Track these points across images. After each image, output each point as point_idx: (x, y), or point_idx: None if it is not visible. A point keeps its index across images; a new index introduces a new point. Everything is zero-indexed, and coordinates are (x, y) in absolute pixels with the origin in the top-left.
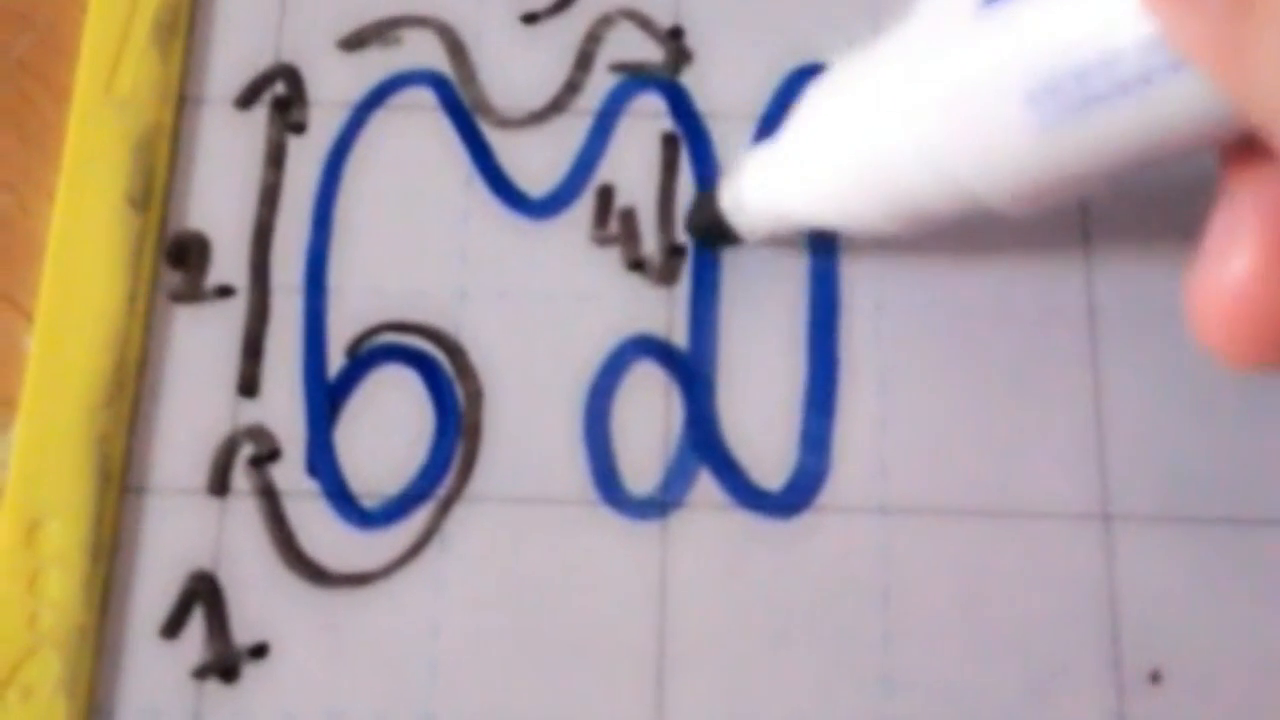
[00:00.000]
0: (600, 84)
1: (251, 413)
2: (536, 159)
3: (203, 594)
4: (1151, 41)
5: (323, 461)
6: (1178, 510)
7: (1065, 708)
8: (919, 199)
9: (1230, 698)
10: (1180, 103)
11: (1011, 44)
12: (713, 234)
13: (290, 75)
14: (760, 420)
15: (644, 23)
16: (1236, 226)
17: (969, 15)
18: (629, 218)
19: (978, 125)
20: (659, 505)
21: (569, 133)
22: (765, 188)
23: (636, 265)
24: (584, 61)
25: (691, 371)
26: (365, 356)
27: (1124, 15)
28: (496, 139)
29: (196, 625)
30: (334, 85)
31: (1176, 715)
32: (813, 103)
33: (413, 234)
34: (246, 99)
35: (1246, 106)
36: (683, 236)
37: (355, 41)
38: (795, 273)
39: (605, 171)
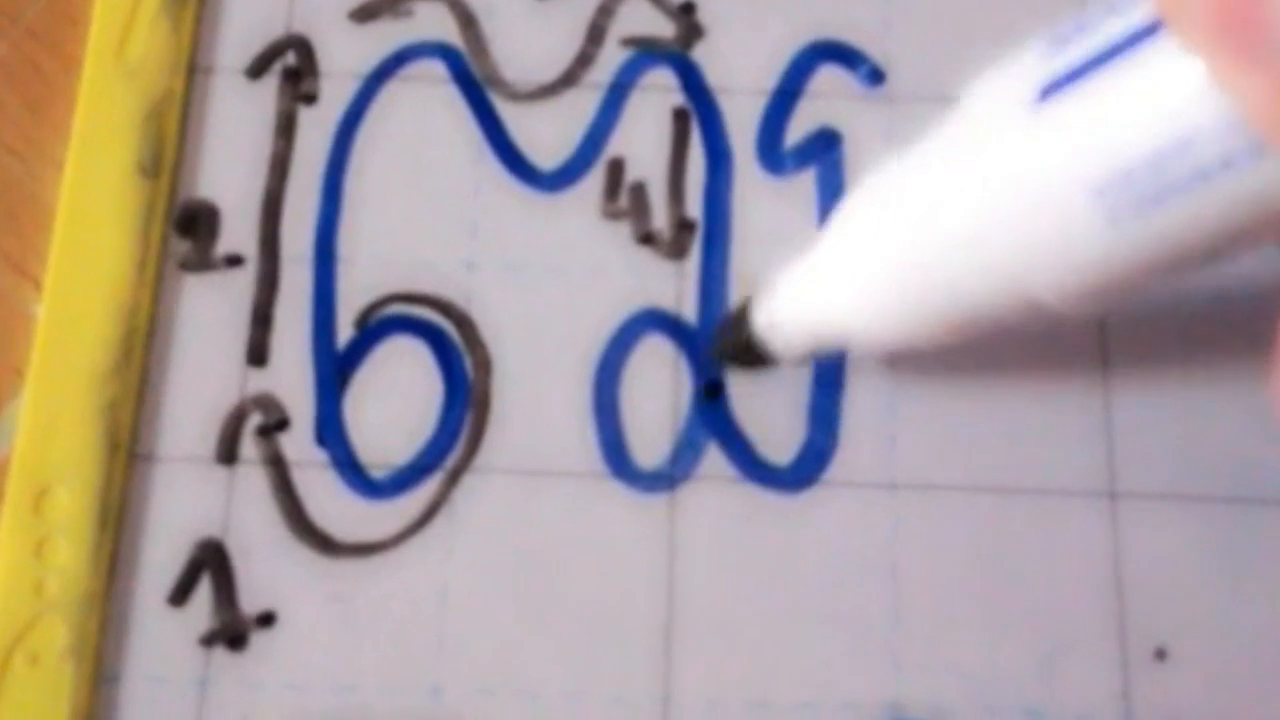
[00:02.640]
0: (612, 58)
1: (260, 382)
2: (547, 132)
3: (210, 562)
4: (1230, 123)
5: (331, 431)
6: (1184, 488)
7: (1071, 684)
8: (974, 306)
9: (1235, 675)
10: (1266, 187)
11: (1076, 135)
12: (746, 357)
13: (301, 46)
14: (769, 395)
15: None
16: None
17: (1025, 108)
18: (639, 192)
19: (1040, 224)
20: (667, 479)
21: (580, 106)
22: (802, 305)
23: (646, 239)
24: (595, 35)
25: (700, 345)
26: (374, 327)
27: (1198, 97)
28: (507, 112)
29: (204, 593)
30: (345, 56)
31: (1181, 692)
32: (851, 212)
33: (422, 206)
34: (257, 69)
35: None
36: (692, 212)
37: (366, 13)
38: (804, 248)
39: (616, 145)
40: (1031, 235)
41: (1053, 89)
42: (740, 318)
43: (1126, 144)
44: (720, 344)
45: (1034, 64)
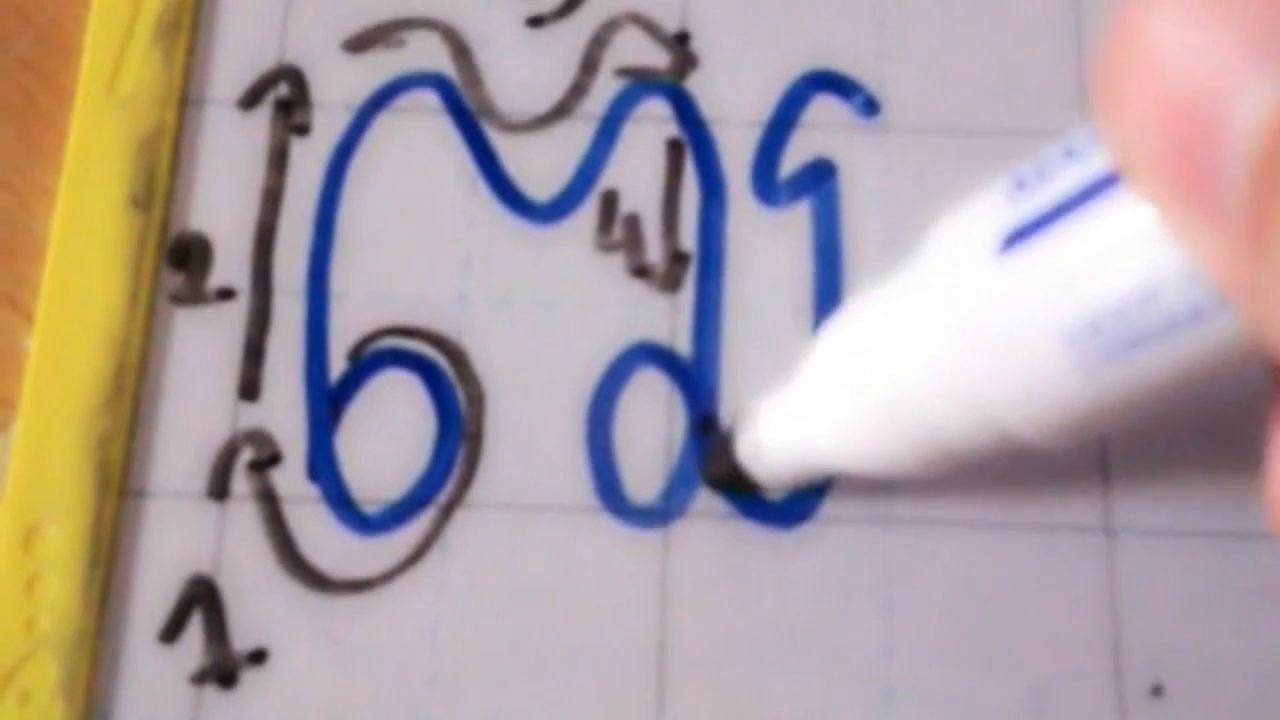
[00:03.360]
0: (605, 88)
1: (252, 416)
2: (541, 163)
3: (202, 599)
4: (1195, 274)
5: (323, 466)
6: (1182, 524)
7: None
8: (950, 440)
9: (1232, 712)
10: (1235, 334)
11: (1044, 285)
12: (732, 483)
13: (294, 76)
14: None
15: (650, 27)
16: None
17: (989, 255)
18: (633, 224)
19: (1013, 370)
20: (661, 514)
21: (573, 137)
22: (784, 435)
23: (640, 272)
24: (589, 65)
25: (695, 379)
26: (367, 361)
27: (1162, 248)
28: (501, 143)
29: (195, 630)
30: (338, 87)
31: None
32: (829, 346)
33: (416, 238)
34: (250, 100)
35: (1273, 349)
36: (687, 244)
37: (359, 43)
38: (799, 281)
39: (610, 177)
40: (1003, 380)
41: (1016, 238)
42: (724, 446)
43: (1093, 295)
44: (707, 471)
45: (996, 210)
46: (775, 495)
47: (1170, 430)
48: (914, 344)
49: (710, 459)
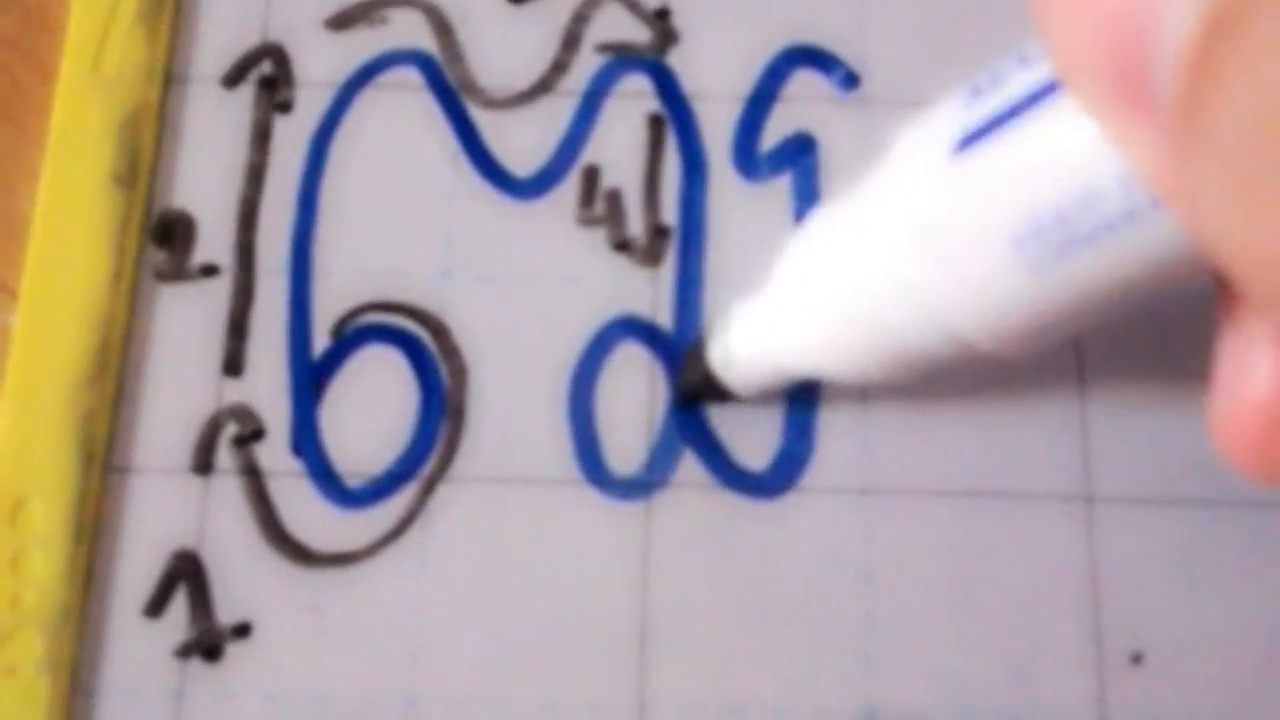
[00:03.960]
0: (587, 64)
1: (236, 392)
2: (523, 139)
3: (186, 573)
4: (1131, 178)
5: (307, 441)
6: (1161, 492)
7: (1047, 688)
8: (911, 346)
9: (1211, 679)
10: (1169, 238)
11: (990, 189)
12: (704, 392)
13: (277, 54)
14: (744, 401)
15: (631, 3)
16: (1250, 350)
17: (944, 158)
18: (615, 198)
19: (965, 272)
20: (643, 485)
21: (555, 113)
22: (754, 342)
23: (622, 246)
24: (571, 42)
25: (676, 352)
26: (350, 336)
27: (1101, 152)
28: (483, 119)
29: (180, 604)
30: (321, 65)
31: (1158, 696)
32: (795, 254)
33: (398, 214)
34: (233, 78)
35: (1205, 248)
36: (668, 218)
37: (342, 21)
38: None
39: (591, 152)
40: (956, 283)
41: (969, 140)
42: (695, 355)
43: (1037, 197)
44: (681, 380)
45: (953, 115)
46: (746, 399)
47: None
48: (874, 249)
49: (684, 368)
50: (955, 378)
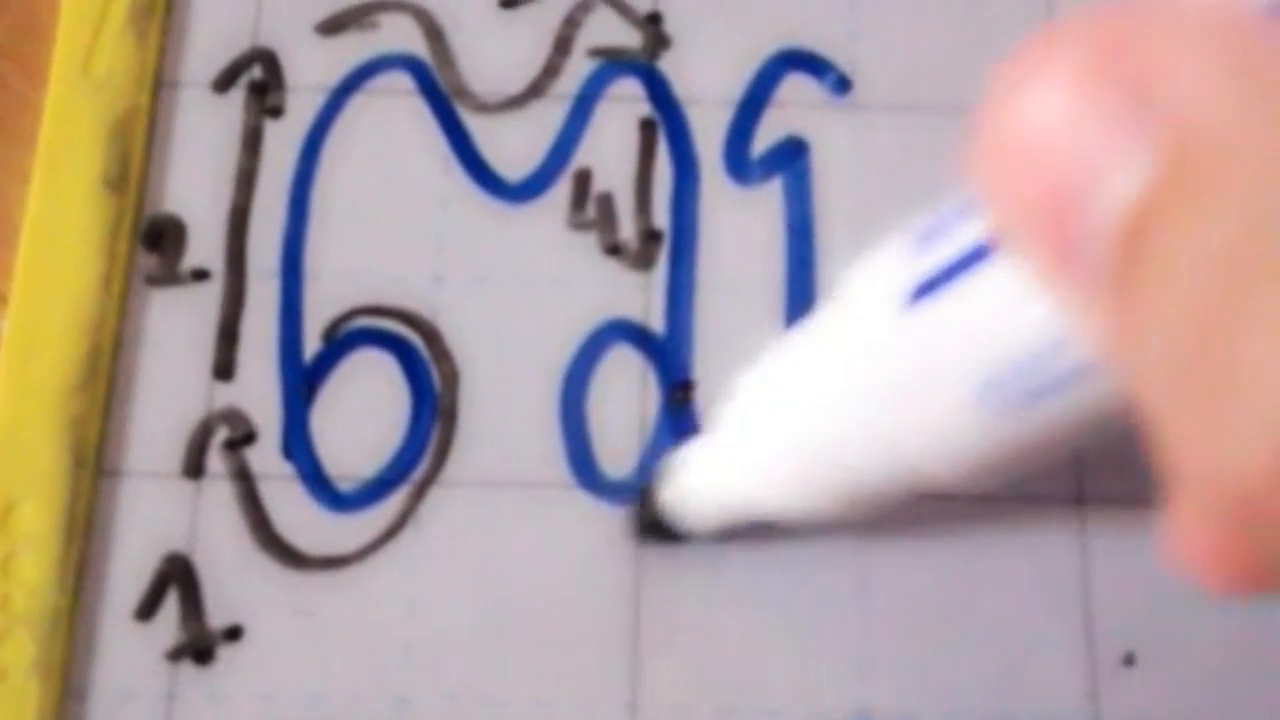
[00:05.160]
0: (578, 69)
1: (227, 396)
2: (514, 143)
3: (177, 576)
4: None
5: (298, 445)
6: (1151, 494)
7: (1038, 690)
8: (869, 484)
9: (1203, 680)
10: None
11: (948, 342)
12: (660, 532)
13: (268, 59)
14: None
15: (622, 8)
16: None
17: (898, 308)
18: (606, 203)
19: (928, 419)
20: (635, 489)
21: (547, 117)
22: (707, 483)
23: (613, 250)
24: (562, 46)
25: (668, 356)
26: (341, 340)
27: (1053, 307)
28: (474, 123)
29: (171, 608)
30: (311, 69)
31: (1149, 698)
32: (748, 397)
33: (390, 218)
34: (223, 82)
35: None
36: (659, 222)
37: (333, 25)
38: (771, 258)
39: (583, 156)
40: (916, 430)
41: (922, 292)
42: (649, 495)
43: (994, 352)
44: (635, 519)
45: (903, 263)
46: (703, 541)
47: None
48: (829, 398)
49: (638, 508)
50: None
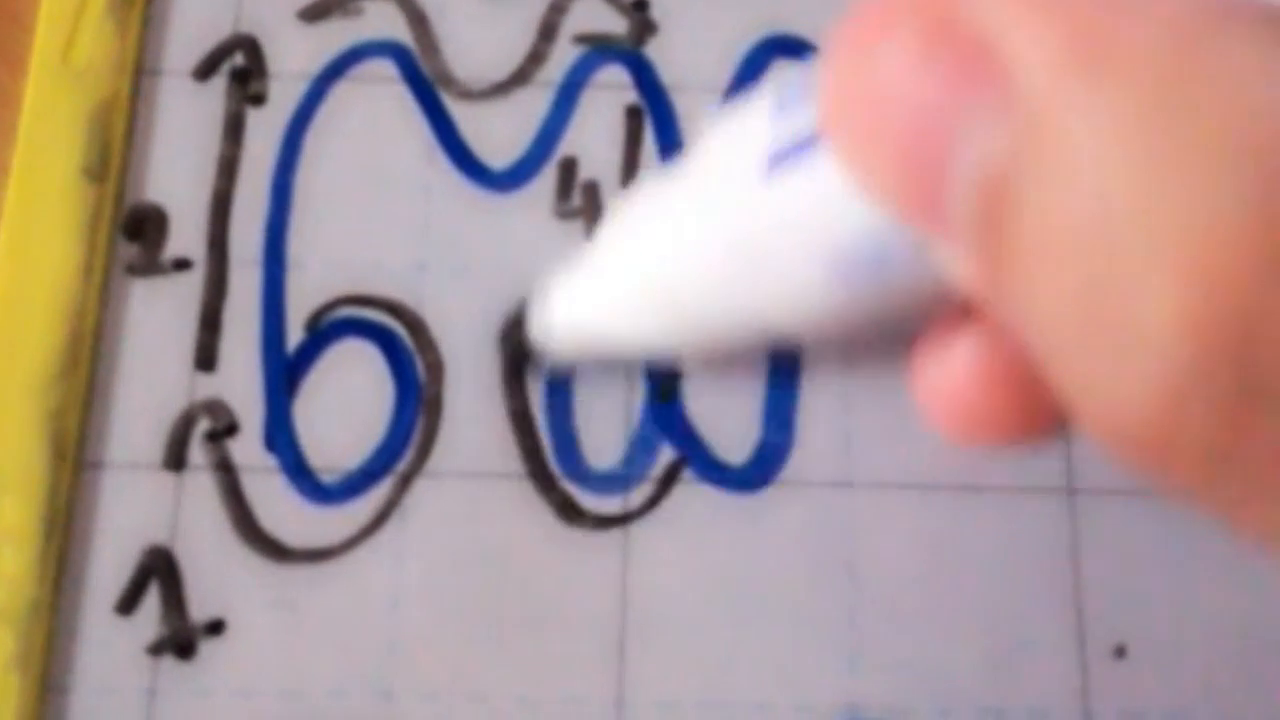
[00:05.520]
0: (564, 56)
1: (209, 387)
2: (499, 131)
3: (159, 570)
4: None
5: (281, 436)
6: (1141, 484)
7: (1030, 682)
8: (722, 333)
9: (1194, 671)
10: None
11: (805, 212)
12: (523, 356)
13: (249, 46)
14: (724, 394)
15: None
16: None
17: (756, 175)
18: (592, 191)
19: (779, 283)
20: (621, 479)
21: (532, 105)
22: (572, 312)
23: None
24: (547, 33)
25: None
26: (325, 330)
27: None
28: (458, 111)
29: (152, 601)
30: (294, 56)
31: (1140, 689)
32: (615, 233)
33: (373, 207)
34: (205, 70)
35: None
36: None
37: (316, 12)
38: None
39: (568, 144)
40: (772, 291)
41: (778, 160)
42: (519, 321)
43: (850, 224)
44: (502, 343)
45: (763, 128)
46: (564, 365)
47: None
48: (687, 250)
49: (505, 334)
50: None
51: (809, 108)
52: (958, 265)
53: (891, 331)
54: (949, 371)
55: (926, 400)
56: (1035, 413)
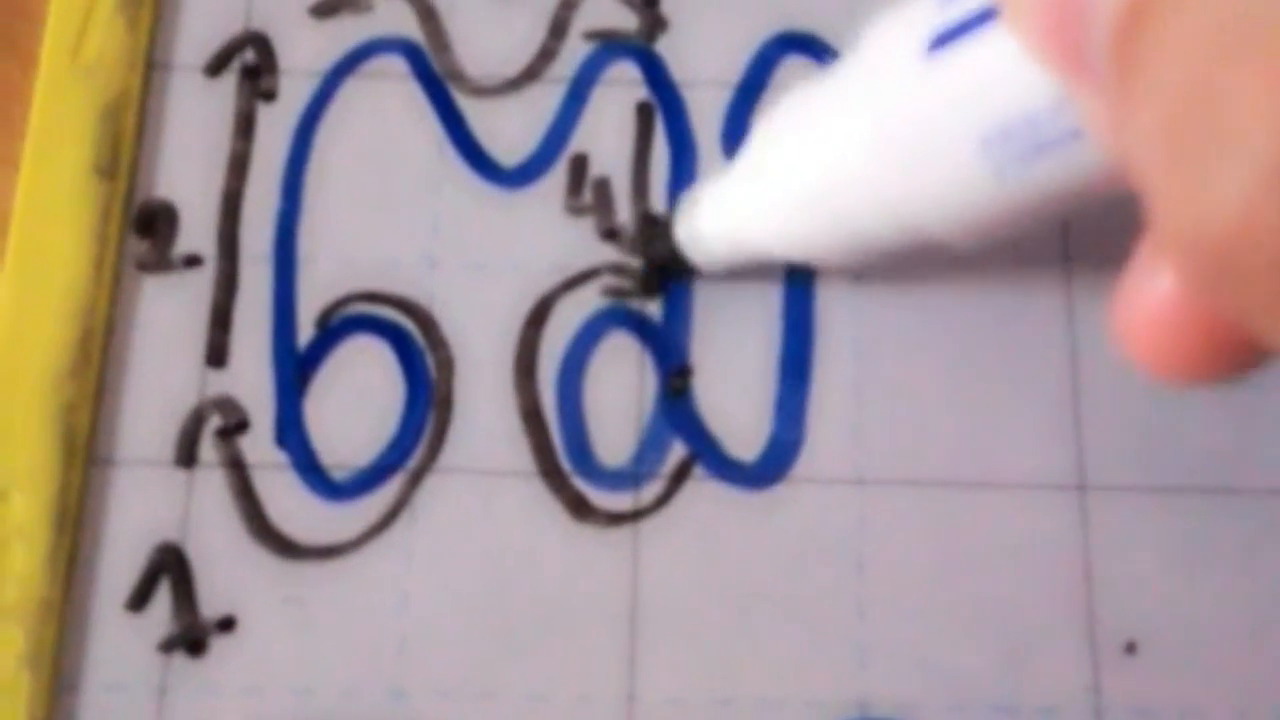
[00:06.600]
0: (575, 52)
1: (219, 383)
2: (510, 128)
3: (169, 566)
4: None
5: (292, 433)
6: (1154, 480)
7: (1040, 678)
8: (871, 236)
9: (1206, 668)
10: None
11: (962, 91)
12: (668, 265)
13: (260, 42)
14: (734, 391)
15: None
16: (1156, 265)
17: (916, 57)
18: (603, 187)
19: (930, 170)
20: (632, 476)
21: (542, 101)
22: (720, 221)
23: (610, 235)
24: (558, 29)
25: (665, 342)
26: (335, 327)
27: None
28: (469, 107)
29: (163, 598)
30: (304, 53)
31: (1152, 686)
32: (765, 136)
33: (384, 203)
34: (216, 66)
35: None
36: (657, 207)
37: (326, 8)
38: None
39: (579, 140)
40: (922, 180)
41: (941, 41)
42: (664, 229)
43: (1008, 102)
44: (645, 250)
45: (926, 14)
46: (710, 274)
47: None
48: (841, 143)
49: (649, 241)
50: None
51: None
52: (1094, 113)
53: (1037, 223)
54: (1147, 303)
55: (1125, 333)
56: (1233, 347)
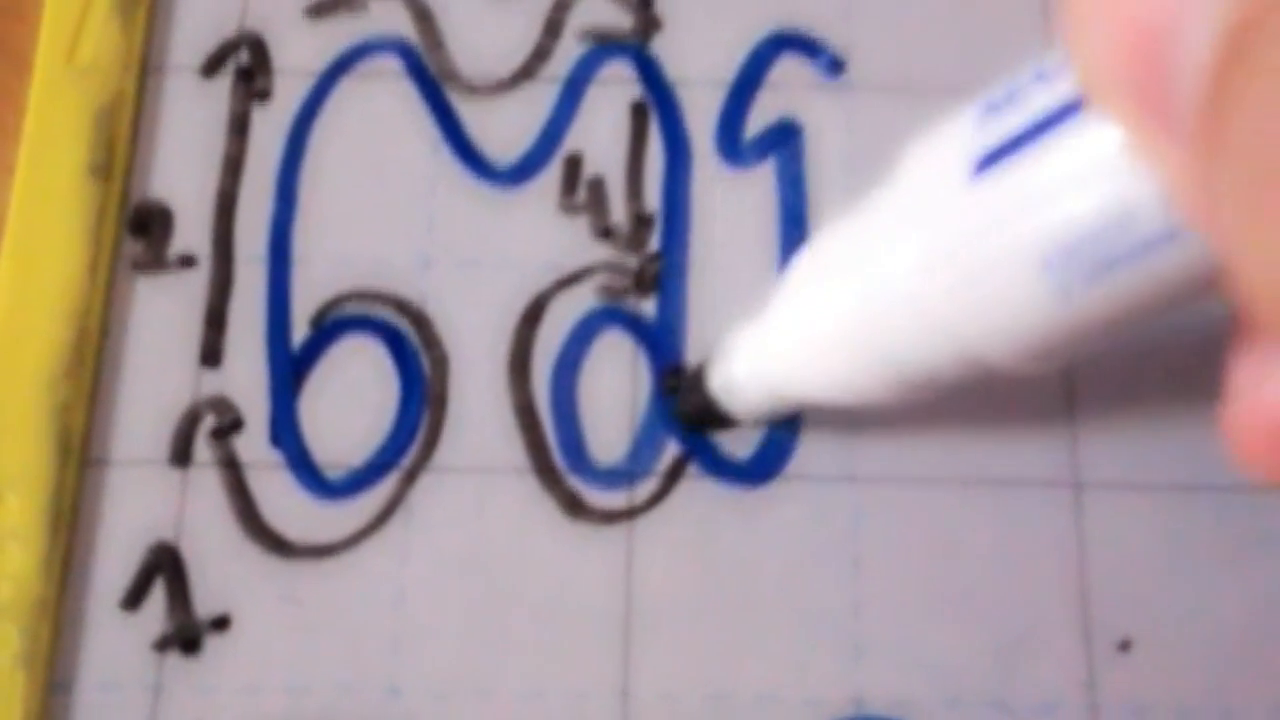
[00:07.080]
0: (569, 51)
1: (214, 383)
2: (504, 127)
3: (164, 566)
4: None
5: (286, 432)
6: (1148, 478)
7: (1035, 675)
8: (923, 368)
9: (1200, 665)
10: (1207, 254)
11: (1018, 209)
12: (705, 419)
13: (255, 43)
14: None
15: None
16: (1264, 364)
17: (962, 179)
18: (597, 186)
19: (987, 296)
20: (626, 474)
21: (537, 100)
22: (756, 367)
23: (604, 234)
24: (553, 28)
25: (659, 341)
26: (330, 326)
27: (1136, 171)
28: (463, 107)
29: (158, 597)
30: (299, 53)
31: (1146, 683)
32: (801, 277)
33: (378, 203)
34: (210, 67)
35: (1221, 255)
36: (651, 205)
37: (321, 9)
38: (765, 240)
39: (573, 140)
40: (978, 307)
41: (989, 161)
42: (697, 381)
43: (1069, 218)
44: (681, 405)
45: (968, 134)
46: (749, 429)
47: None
48: (887, 272)
49: (683, 395)
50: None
51: (1026, 106)
52: (1173, 171)
53: (1107, 341)
54: (1260, 406)
55: (1240, 443)
56: None
